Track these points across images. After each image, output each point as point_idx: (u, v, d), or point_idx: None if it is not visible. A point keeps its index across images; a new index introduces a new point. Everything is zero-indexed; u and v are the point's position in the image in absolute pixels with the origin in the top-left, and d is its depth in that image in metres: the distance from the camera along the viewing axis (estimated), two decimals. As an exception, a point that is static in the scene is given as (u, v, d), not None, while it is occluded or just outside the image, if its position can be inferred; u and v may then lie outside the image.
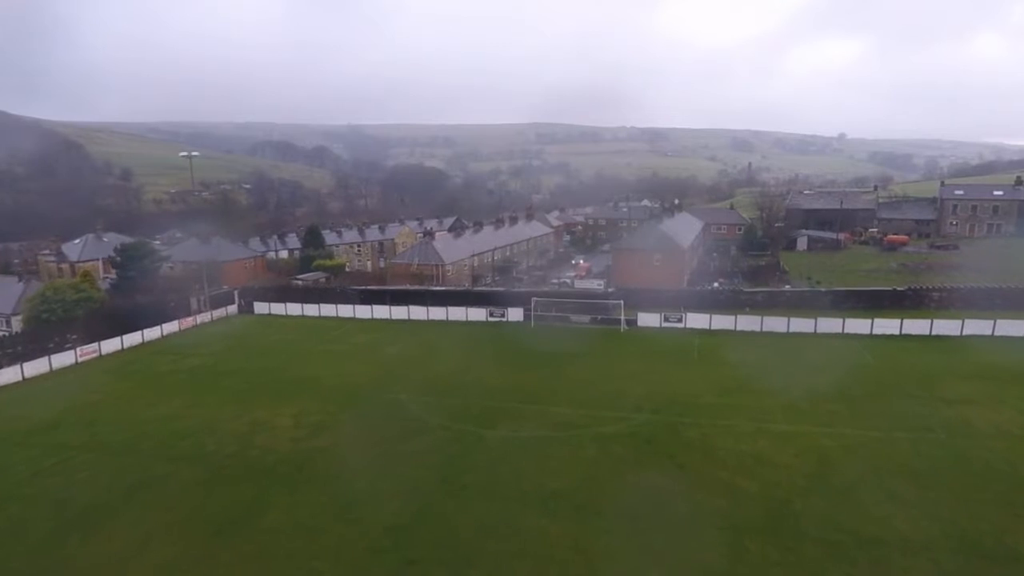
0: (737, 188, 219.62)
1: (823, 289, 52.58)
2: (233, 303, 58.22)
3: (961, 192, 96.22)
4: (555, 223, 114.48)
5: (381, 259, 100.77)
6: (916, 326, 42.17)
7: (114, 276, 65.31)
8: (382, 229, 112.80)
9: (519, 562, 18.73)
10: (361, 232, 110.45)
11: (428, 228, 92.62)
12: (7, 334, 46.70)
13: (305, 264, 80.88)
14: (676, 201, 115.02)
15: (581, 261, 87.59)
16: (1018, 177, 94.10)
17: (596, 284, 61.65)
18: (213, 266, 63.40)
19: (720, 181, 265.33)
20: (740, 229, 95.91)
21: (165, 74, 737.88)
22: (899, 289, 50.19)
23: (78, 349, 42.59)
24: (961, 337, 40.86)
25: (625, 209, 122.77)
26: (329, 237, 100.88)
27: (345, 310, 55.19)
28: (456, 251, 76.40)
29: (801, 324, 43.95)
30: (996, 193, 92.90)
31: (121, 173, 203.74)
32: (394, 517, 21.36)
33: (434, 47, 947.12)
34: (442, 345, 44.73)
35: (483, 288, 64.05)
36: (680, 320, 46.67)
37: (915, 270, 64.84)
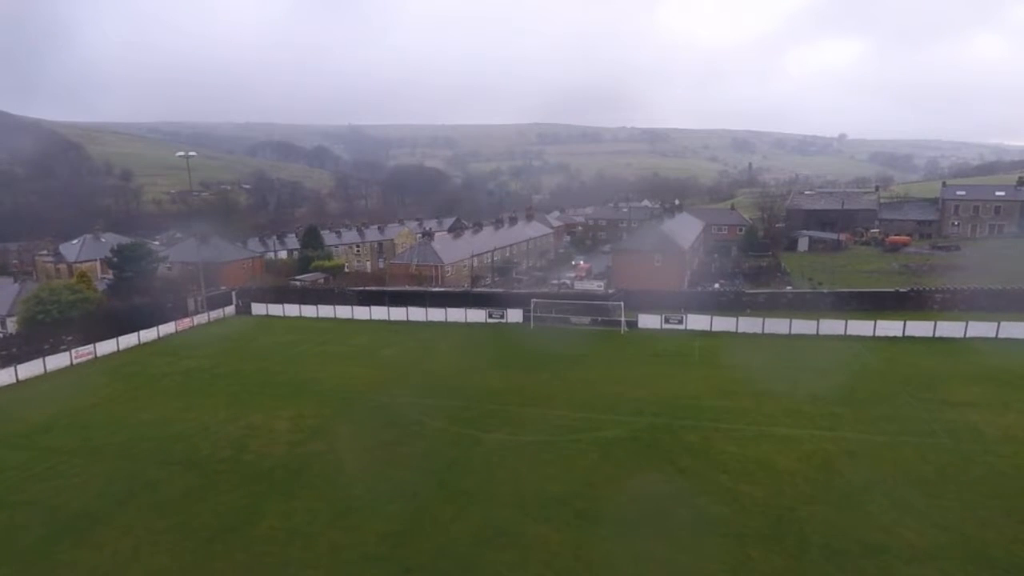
0: (737, 189, 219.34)
1: (825, 290, 52.17)
2: (231, 304, 57.83)
3: (963, 193, 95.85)
4: (555, 224, 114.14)
5: (380, 260, 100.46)
6: (919, 328, 41.74)
7: (111, 277, 64.94)
8: (381, 230, 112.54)
9: (518, 572, 18.32)
10: (360, 232, 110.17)
11: (427, 229, 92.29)
12: (2, 335, 46.40)
13: (303, 265, 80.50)
14: (676, 202, 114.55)
15: (581, 262, 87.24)
16: (1020, 177, 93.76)
17: (596, 285, 61.25)
18: (211, 267, 63.05)
19: (720, 182, 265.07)
20: (741, 230, 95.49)
21: (165, 74, 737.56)
22: (902, 290, 49.79)
23: (73, 351, 42.21)
24: (965, 339, 40.44)
25: (625, 209, 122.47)
26: (328, 237, 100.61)
27: (343, 311, 54.81)
28: (455, 252, 76.05)
29: (803, 326, 43.53)
30: (998, 194, 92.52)
31: (121, 173, 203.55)
32: (391, 523, 20.96)
33: (435, 47, 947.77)
34: (441, 347, 44.35)
35: (482, 289, 63.65)
36: (681, 322, 46.28)
37: (917, 271, 64.42)
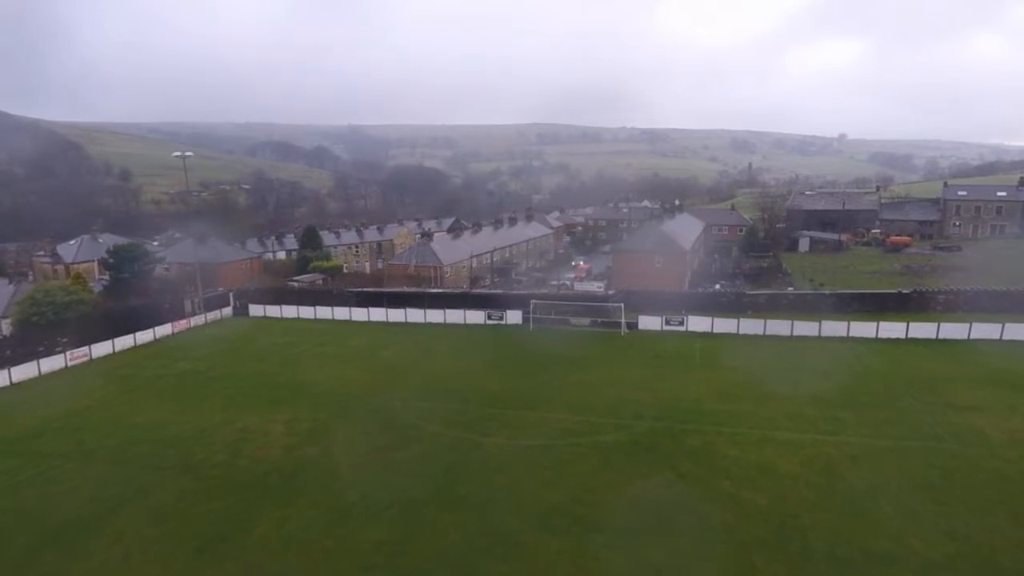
0: (737, 189, 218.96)
1: (827, 291, 51.70)
2: (228, 305, 57.39)
3: (964, 193, 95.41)
4: (555, 224, 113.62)
5: (379, 260, 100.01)
6: (922, 329, 41.31)
7: (108, 278, 64.48)
8: (380, 230, 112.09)
9: (515, 581, 17.92)
10: (359, 233, 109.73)
11: (426, 229, 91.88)
12: (-3, 337, 45.95)
13: (302, 265, 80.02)
14: (677, 202, 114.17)
15: (581, 262, 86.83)
16: (1021, 178, 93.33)
17: (596, 286, 60.85)
18: (208, 267, 62.63)
19: (720, 182, 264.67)
20: (741, 230, 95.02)
21: (165, 74, 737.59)
22: (904, 292, 49.34)
23: (68, 353, 41.78)
24: (968, 341, 40.01)
25: (625, 210, 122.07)
26: (327, 238, 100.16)
27: (341, 312, 54.37)
28: (454, 252, 75.62)
29: (805, 327, 43.08)
30: (999, 194, 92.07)
31: (120, 173, 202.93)
32: (386, 531, 20.55)
33: (435, 47, 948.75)
34: (439, 348, 43.92)
35: (481, 290, 63.20)
36: (682, 323, 45.86)
37: (919, 272, 63.97)
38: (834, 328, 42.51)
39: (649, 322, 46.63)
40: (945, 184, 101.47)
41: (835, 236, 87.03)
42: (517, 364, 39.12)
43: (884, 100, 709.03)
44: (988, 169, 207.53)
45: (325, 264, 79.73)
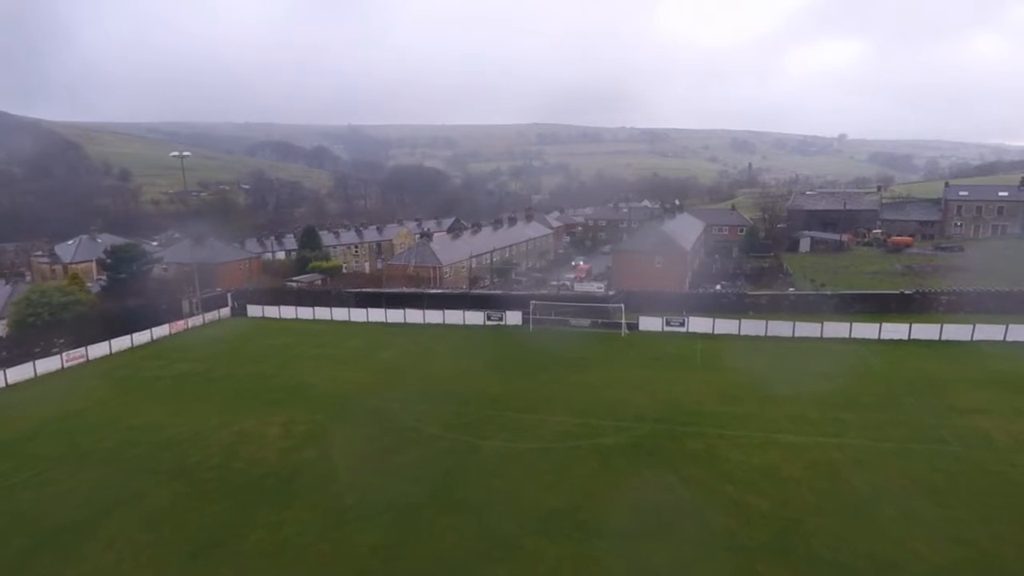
0: (738, 189, 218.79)
1: (828, 292, 51.38)
2: (226, 306, 57.08)
3: (965, 193, 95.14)
4: (555, 224, 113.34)
5: (379, 260, 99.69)
6: (925, 331, 41.00)
7: (106, 278, 64.19)
8: (380, 230, 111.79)
9: (514, 587, 17.62)
10: (359, 233, 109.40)
11: (426, 229, 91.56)
12: (-8, 338, 45.59)
13: (301, 266, 79.71)
14: (677, 202, 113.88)
15: (581, 262, 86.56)
16: (1022, 178, 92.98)
17: (596, 287, 60.52)
18: (207, 268, 62.30)
19: (720, 182, 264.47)
20: (742, 230, 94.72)
21: (165, 74, 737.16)
22: (907, 292, 49.01)
23: (64, 354, 41.49)
24: (972, 342, 39.70)
25: (625, 210, 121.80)
26: (326, 238, 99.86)
27: (340, 313, 54.05)
28: (454, 252, 75.33)
29: (807, 328, 42.78)
30: (1001, 194, 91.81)
31: (119, 173, 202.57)
32: (383, 536, 20.24)
33: (435, 47, 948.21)
34: (438, 350, 43.61)
35: (481, 291, 62.87)
36: (682, 324, 45.55)
37: (921, 272, 63.68)
38: (836, 329, 42.20)
39: (649, 323, 46.33)
40: (946, 184, 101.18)
41: (836, 236, 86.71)
42: (516, 365, 38.81)
43: (884, 100, 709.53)
44: (988, 169, 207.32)
45: (324, 264, 79.43)
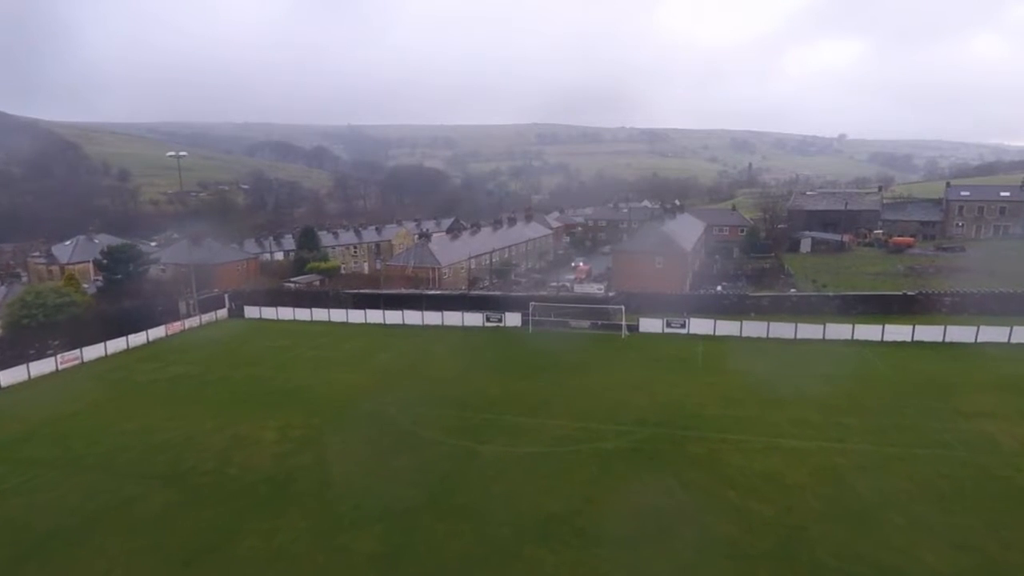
0: (737, 189, 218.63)
1: (830, 293, 50.98)
2: (223, 307, 56.67)
3: (967, 193, 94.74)
4: (555, 224, 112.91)
5: (378, 261, 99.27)
6: (928, 332, 40.59)
7: (102, 279, 63.76)
8: (379, 230, 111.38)
9: (512, 597, 17.23)
10: (358, 233, 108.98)
11: (425, 230, 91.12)
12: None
13: (299, 266, 79.23)
14: (677, 202, 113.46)
15: (581, 263, 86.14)
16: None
17: (596, 288, 60.03)
18: (204, 269, 61.85)
19: (720, 182, 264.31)
20: (742, 231, 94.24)
21: (164, 74, 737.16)
22: (909, 293, 48.58)
23: (59, 356, 41.08)
24: (976, 344, 39.30)
25: (625, 210, 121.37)
26: (325, 238, 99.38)
27: (338, 314, 53.62)
28: (453, 253, 74.90)
29: (809, 330, 42.37)
30: (1003, 194, 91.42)
31: (118, 174, 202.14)
32: (380, 544, 19.85)
33: (435, 47, 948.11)
34: (436, 352, 43.19)
35: (480, 292, 62.43)
36: (683, 325, 45.14)
37: (922, 273, 63.25)
38: (838, 331, 41.81)
39: (650, 324, 45.93)
40: (948, 184, 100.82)
41: (837, 237, 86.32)
42: (516, 367, 38.40)
43: (884, 100, 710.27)
44: (988, 169, 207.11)
45: (322, 265, 78.91)
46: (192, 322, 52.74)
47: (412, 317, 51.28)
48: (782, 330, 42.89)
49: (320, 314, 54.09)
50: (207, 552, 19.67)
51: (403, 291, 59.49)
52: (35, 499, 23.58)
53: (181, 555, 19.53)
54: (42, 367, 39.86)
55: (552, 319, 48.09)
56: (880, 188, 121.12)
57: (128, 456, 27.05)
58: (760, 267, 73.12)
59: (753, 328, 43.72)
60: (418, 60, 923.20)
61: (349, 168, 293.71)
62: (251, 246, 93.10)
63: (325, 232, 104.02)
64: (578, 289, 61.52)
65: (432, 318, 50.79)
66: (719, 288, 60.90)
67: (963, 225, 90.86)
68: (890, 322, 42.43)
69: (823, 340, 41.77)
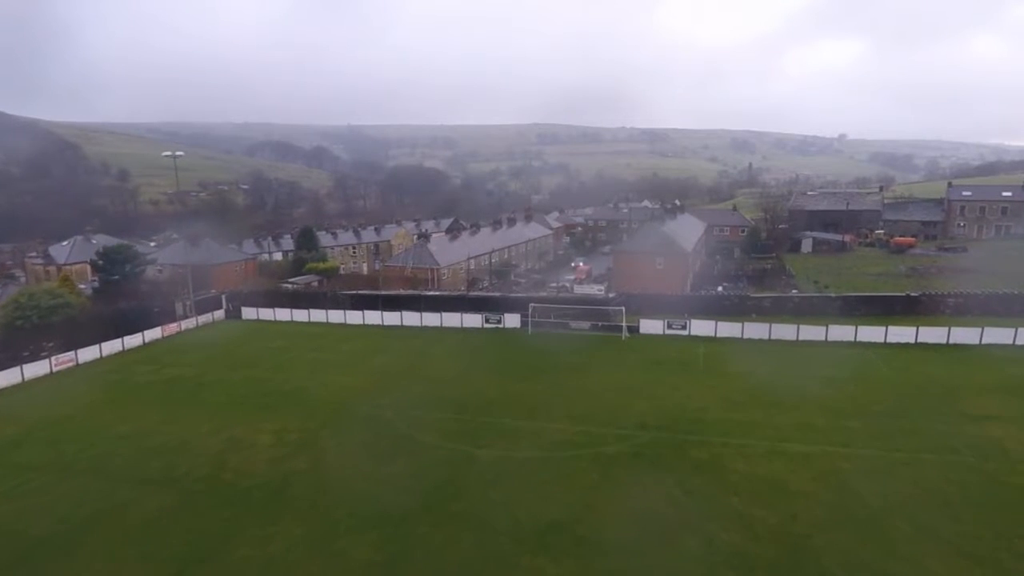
0: (738, 189, 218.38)
1: (833, 294, 50.53)
2: (220, 308, 56.22)
3: (969, 193, 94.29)
4: (554, 224, 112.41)
5: (377, 261, 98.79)
6: (932, 334, 40.16)
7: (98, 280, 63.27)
8: (378, 230, 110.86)
9: (511, 609, 16.79)
10: (357, 233, 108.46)
11: (424, 230, 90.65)
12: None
13: (297, 267, 78.78)
14: (678, 202, 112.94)
15: (580, 263, 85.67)
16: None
17: (596, 289, 59.61)
18: (201, 269, 61.39)
19: (721, 182, 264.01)
20: (743, 231, 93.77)
21: (164, 74, 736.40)
22: (912, 295, 48.12)
23: (53, 358, 40.63)
24: (981, 346, 38.85)
25: (625, 210, 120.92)
26: (324, 238, 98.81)
27: (336, 316, 53.19)
28: (452, 254, 74.44)
29: (811, 332, 41.93)
30: (1005, 194, 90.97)
31: (118, 174, 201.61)
32: (375, 552, 19.42)
33: (434, 48, 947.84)
34: (435, 353, 42.75)
35: (479, 293, 62.00)
36: (684, 327, 44.70)
37: (925, 273, 62.81)
38: (841, 332, 41.38)
39: (651, 326, 45.49)
40: (949, 184, 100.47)
41: (838, 237, 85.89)
42: (515, 370, 37.96)
43: (884, 100, 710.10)
44: (989, 169, 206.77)
45: (321, 266, 78.46)
46: (189, 323, 52.31)
47: (411, 318, 50.85)
48: (784, 332, 42.46)
49: (318, 315, 53.66)
50: (199, 560, 19.25)
51: (402, 292, 59.05)
52: (25, 505, 23.16)
53: (173, 564, 19.10)
54: (36, 369, 39.43)
55: (552, 320, 47.65)
56: (881, 188, 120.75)
57: (120, 461, 26.62)
58: (761, 268, 72.67)
59: (754, 329, 43.29)
60: (418, 60, 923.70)
61: (349, 168, 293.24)
62: (250, 246, 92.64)
63: (324, 232, 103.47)
64: (578, 290, 61.11)
65: (431, 319, 50.36)
66: (720, 289, 60.44)
67: (965, 225, 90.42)
68: (893, 323, 41.98)
69: (826, 342, 41.36)
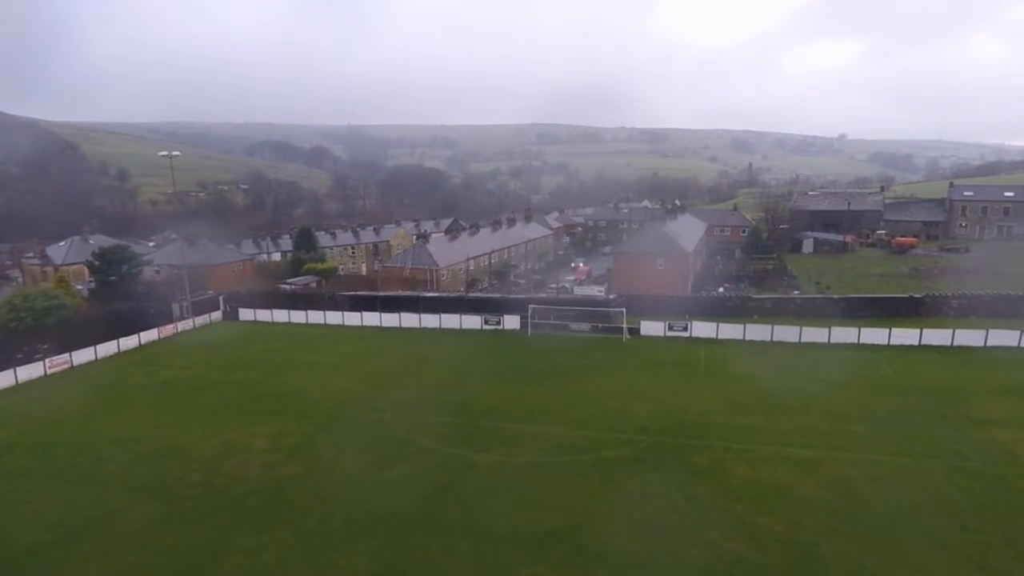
0: (738, 189, 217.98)
1: (835, 296, 50.07)
2: (218, 309, 55.76)
3: (971, 193, 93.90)
4: (554, 224, 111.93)
5: (376, 262, 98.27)
6: (936, 336, 39.73)
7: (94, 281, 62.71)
8: (377, 231, 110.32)
9: (510, 621, 16.34)
10: (355, 234, 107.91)
11: (423, 230, 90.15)
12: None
13: (296, 267, 78.25)
14: (678, 202, 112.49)
15: (580, 264, 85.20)
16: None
17: (596, 290, 59.15)
18: (199, 270, 60.91)
19: (721, 182, 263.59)
20: (744, 231, 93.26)
21: (164, 74, 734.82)
22: (916, 296, 47.66)
23: (47, 360, 40.17)
24: (985, 348, 38.42)
25: (625, 210, 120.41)
26: (323, 239, 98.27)
27: (334, 317, 52.75)
28: (451, 254, 73.94)
29: (814, 333, 41.50)
30: (1007, 194, 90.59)
31: (117, 174, 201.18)
32: (371, 561, 18.98)
33: (434, 48, 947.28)
34: (433, 356, 42.31)
35: (478, 294, 61.53)
36: (685, 329, 44.25)
37: (927, 274, 62.38)
38: (844, 334, 40.94)
39: (651, 327, 45.04)
40: (951, 184, 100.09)
41: (839, 237, 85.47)
42: (514, 372, 37.50)
43: (884, 100, 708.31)
44: (989, 169, 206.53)
45: (319, 266, 77.92)
46: (185, 325, 51.86)
47: (409, 320, 50.41)
48: (786, 333, 42.02)
49: (316, 317, 53.22)
50: (190, 570, 18.80)
51: (400, 293, 58.58)
52: (14, 512, 22.68)
53: (165, 573, 18.69)
54: (30, 372, 38.96)
55: (552, 322, 47.20)
56: (882, 188, 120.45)
57: (112, 467, 26.15)
58: (762, 268, 72.17)
59: (756, 331, 42.83)
60: (418, 60, 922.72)
61: (348, 168, 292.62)
62: (248, 247, 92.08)
63: (323, 233, 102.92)
64: (578, 291, 60.63)
65: (430, 321, 49.91)
66: (721, 290, 59.98)
67: (967, 226, 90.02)
68: (897, 325, 41.56)
69: (828, 344, 40.91)
